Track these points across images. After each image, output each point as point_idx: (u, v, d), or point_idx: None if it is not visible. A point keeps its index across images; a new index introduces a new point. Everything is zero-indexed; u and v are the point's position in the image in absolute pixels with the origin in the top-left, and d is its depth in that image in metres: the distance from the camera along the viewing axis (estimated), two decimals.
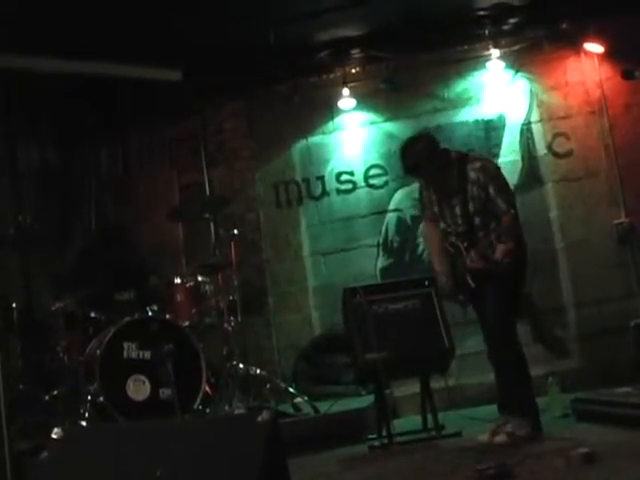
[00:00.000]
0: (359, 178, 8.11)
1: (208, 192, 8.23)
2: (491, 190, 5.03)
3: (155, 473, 2.98)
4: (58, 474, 3.16)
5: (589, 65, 7.80)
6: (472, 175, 5.07)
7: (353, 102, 8.07)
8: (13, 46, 6.38)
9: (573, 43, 7.76)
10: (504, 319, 5.07)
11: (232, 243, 6.78)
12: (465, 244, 5.12)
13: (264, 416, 3.07)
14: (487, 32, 7.76)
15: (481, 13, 7.68)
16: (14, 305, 6.09)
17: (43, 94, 7.66)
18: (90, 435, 3.56)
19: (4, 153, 7.30)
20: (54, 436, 3.27)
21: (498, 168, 5.27)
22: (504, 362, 5.08)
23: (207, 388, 5.97)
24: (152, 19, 6.72)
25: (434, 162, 5.20)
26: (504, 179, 5.21)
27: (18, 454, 4.11)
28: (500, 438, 4.89)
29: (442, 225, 5.33)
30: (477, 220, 5.09)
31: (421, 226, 7.65)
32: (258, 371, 6.51)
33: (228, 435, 3.12)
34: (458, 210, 5.16)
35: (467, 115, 7.97)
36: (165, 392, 5.61)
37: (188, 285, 6.53)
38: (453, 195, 5.18)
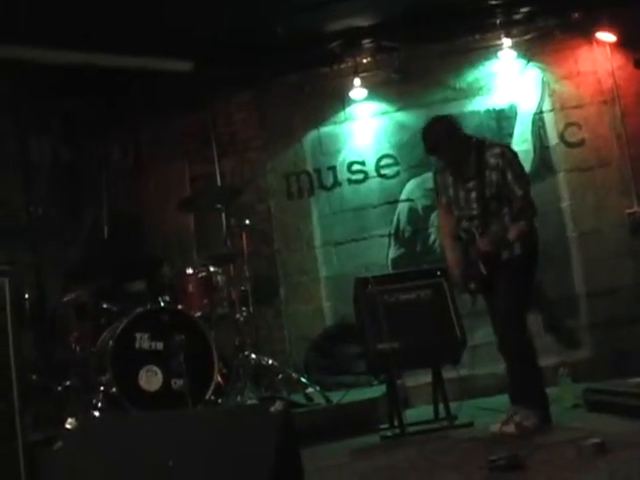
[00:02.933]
0: (370, 168, 8.09)
1: (219, 183, 8.23)
2: (509, 175, 5.05)
3: (167, 463, 2.99)
4: (72, 464, 3.18)
5: (601, 54, 7.74)
6: (492, 161, 5.08)
7: (364, 92, 8.05)
8: (23, 38, 6.39)
9: (585, 32, 7.71)
10: (515, 310, 5.05)
11: (243, 234, 6.80)
12: (479, 230, 5.12)
13: (277, 406, 3.08)
14: (499, 21, 7.72)
15: (493, 2, 7.64)
16: (26, 296, 6.11)
17: (54, 87, 7.67)
18: (103, 425, 3.58)
19: (16, 146, 7.31)
20: (68, 426, 3.29)
21: (516, 154, 5.27)
22: (514, 353, 5.07)
23: (219, 378, 5.97)
24: (162, 10, 6.71)
25: (455, 143, 5.21)
26: (521, 166, 5.23)
27: (31, 445, 4.13)
28: (508, 428, 4.89)
29: (456, 212, 5.33)
30: (492, 205, 5.10)
31: (433, 215, 7.70)
32: (270, 361, 6.52)
33: (241, 425, 3.13)
34: (474, 194, 5.17)
35: (479, 105, 7.94)
36: (177, 383, 5.62)
37: (200, 276, 6.56)
38: (470, 179, 5.19)
